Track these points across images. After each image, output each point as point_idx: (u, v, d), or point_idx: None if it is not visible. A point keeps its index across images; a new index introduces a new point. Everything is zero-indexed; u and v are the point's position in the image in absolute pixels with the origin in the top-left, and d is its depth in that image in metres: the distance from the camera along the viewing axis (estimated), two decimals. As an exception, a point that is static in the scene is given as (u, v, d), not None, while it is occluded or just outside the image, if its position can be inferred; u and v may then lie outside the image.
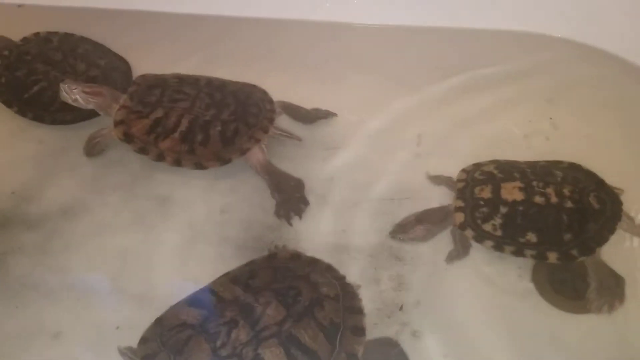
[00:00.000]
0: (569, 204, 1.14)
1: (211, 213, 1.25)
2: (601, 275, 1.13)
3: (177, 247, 1.20)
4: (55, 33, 1.49)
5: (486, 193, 1.16)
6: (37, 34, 1.48)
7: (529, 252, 1.12)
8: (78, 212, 1.24)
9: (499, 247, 1.13)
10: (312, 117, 1.39)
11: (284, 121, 1.37)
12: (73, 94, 1.28)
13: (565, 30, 1.59)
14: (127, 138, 1.26)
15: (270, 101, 1.34)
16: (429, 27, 1.63)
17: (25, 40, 1.46)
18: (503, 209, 1.14)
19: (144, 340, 0.99)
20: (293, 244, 1.19)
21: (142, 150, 1.26)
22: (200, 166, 1.25)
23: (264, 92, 1.36)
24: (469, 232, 1.14)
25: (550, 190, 1.15)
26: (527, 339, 1.06)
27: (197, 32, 1.65)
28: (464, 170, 1.23)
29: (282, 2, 1.63)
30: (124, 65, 1.48)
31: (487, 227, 1.14)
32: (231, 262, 1.15)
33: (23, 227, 1.21)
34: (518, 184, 1.16)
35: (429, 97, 1.46)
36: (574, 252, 1.12)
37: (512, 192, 1.15)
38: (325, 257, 1.15)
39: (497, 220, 1.14)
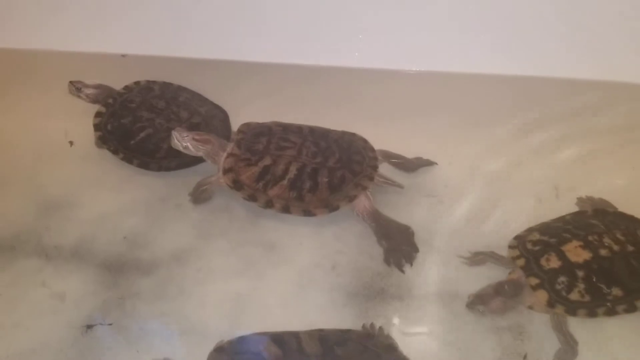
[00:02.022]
0: (630, 248, 1.14)
1: (319, 260, 1.26)
2: None
3: (288, 294, 1.21)
4: (155, 82, 1.54)
5: (555, 262, 1.13)
6: (137, 83, 1.53)
7: (620, 307, 1.10)
8: (189, 258, 1.26)
9: (592, 313, 1.10)
10: (413, 165, 1.40)
11: (384, 169, 1.39)
12: (184, 141, 1.31)
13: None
14: (236, 185, 1.29)
15: (372, 149, 1.37)
16: (513, 76, 1.65)
17: (127, 88, 1.51)
18: (580, 273, 1.11)
19: (219, 349, 1.04)
20: (405, 292, 1.19)
21: (251, 198, 1.28)
22: (308, 213, 1.27)
23: (365, 140, 1.39)
24: (559, 308, 1.10)
25: (608, 240, 1.15)
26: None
27: (286, 80, 1.69)
28: (512, 247, 1.19)
29: (370, 53, 1.68)
30: (222, 114, 1.52)
31: (574, 296, 1.10)
32: (344, 310, 1.17)
33: (138, 272, 1.23)
34: (578, 243, 1.14)
35: (536, 146, 1.47)
36: None
37: (577, 252, 1.13)
38: (439, 306, 1.17)
39: (581, 286, 1.10)
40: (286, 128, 1.37)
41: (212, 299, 1.20)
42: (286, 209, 1.27)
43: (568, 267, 1.11)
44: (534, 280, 1.12)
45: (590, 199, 1.32)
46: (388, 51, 1.67)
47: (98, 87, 1.51)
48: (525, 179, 1.41)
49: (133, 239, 1.29)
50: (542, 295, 1.10)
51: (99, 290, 1.20)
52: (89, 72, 1.59)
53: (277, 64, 1.72)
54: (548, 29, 1.61)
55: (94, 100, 1.50)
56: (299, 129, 1.37)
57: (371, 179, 1.31)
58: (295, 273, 1.24)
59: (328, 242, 1.29)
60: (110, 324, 1.14)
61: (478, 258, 1.23)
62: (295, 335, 1.06)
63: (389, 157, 1.40)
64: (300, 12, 1.67)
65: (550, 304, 1.10)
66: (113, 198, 1.38)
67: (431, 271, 1.23)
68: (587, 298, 1.10)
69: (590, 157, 1.45)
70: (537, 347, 1.10)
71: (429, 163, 1.41)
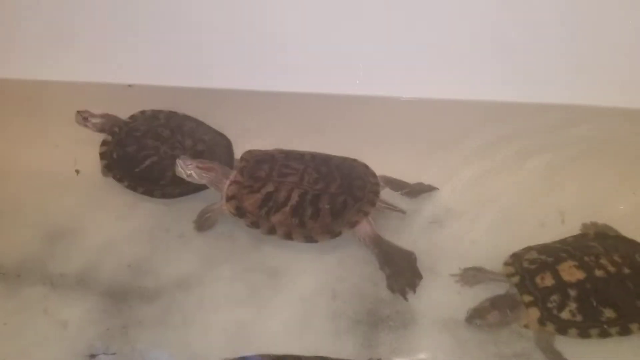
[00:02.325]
0: (626, 270, 1.14)
1: (322, 287, 1.26)
2: None
3: (292, 321, 1.20)
4: (160, 111, 1.56)
5: (549, 280, 1.13)
6: (143, 112, 1.55)
7: (613, 329, 1.10)
8: (193, 285, 1.26)
9: (584, 333, 1.09)
10: (415, 191, 1.41)
11: (386, 195, 1.39)
12: (188, 169, 1.33)
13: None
14: (239, 212, 1.30)
15: (373, 174, 1.38)
16: (514, 102, 1.68)
17: (133, 117, 1.54)
18: (572, 292, 1.11)
19: None
20: (408, 320, 1.19)
21: (254, 224, 1.29)
22: (310, 239, 1.28)
23: (366, 166, 1.40)
24: (550, 327, 1.10)
25: (604, 261, 1.15)
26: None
27: (288, 108, 1.72)
28: (507, 264, 1.20)
29: (371, 80, 1.71)
30: (225, 141, 1.54)
31: (565, 315, 1.10)
32: (348, 337, 1.17)
33: (141, 300, 1.23)
34: (573, 262, 1.15)
35: (540, 171, 1.48)
36: None
37: (571, 272, 1.13)
38: (443, 333, 1.17)
39: (572, 305, 1.10)
40: (288, 155, 1.39)
41: (216, 326, 1.19)
42: (288, 236, 1.28)
43: (561, 286, 1.12)
44: (528, 298, 1.13)
45: (594, 225, 1.32)
46: (388, 78, 1.70)
47: (104, 116, 1.53)
48: (529, 203, 1.41)
49: (137, 267, 1.30)
50: (534, 313, 1.11)
51: (102, 319, 1.20)
52: (95, 102, 1.61)
53: (280, 92, 1.75)
54: (544, 55, 1.63)
55: (101, 129, 1.52)
56: (300, 156, 1.38)
57: (373, 204, 1.32)
58: (298, 300, 1.24)
59: (331, 269, 1.29)
60: (114, 354, 1.14)
61: (468, 274, 1.24)
62: (297, 358, 1.07)
63: (391, 182, 1.41)
64: (303, 43, 1.70)
65: (542, 322, 1.10)
66: (118, 226, 1.39)
67: (435, 298, 1.22)
68: (578, 318, 1.10)
69: (595, 182, 1.45)
70: (541, 374, 1.10)
71: (431, 188, 1.42)
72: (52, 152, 1.60)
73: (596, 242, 1.22)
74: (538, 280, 1.14)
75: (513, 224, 1.36)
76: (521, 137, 1.57)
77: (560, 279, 1.12)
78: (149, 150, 1.44)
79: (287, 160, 1.36)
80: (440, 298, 1.22)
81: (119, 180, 1.43)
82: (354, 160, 1.41)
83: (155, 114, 1.55)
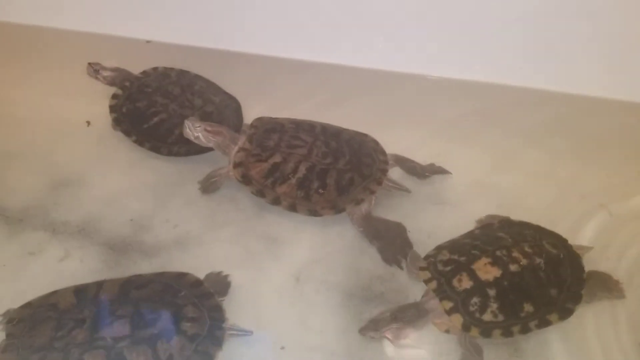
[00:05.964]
0: (537, 260, 1.12)
1: (319, 258, 1.26)
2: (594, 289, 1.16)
3: (285, 289, 1.21)
4: (172, 69, 1.56)
5: (466, 282, 1.09)
6: (155, 69, 1.55)
7: (532, 324, 1.07)
8: (191, 244, 1.27)
9: (507, 332, 1.07)
10: (425, 172, 1.40)
11: (394, 173, 1.39)
12: (196, 131, 1.32)
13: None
14: (245, 180, 1.30)
15: (383, 152, 1.37)
16: (536, 89, 1.66)
17: (144, 73, 1.53)
18: (491, 291, 1.08)
19: (26, 305, 1.07)
20: (402, 299, 1.19)
21: (259, 193, 1.29)
22: (314, 213, 1.28)
23: (376, 142, 1.39)
24: (474, 331, 1.06)
25: (516, 254, 1.11)
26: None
27: (303, 78, 1.72)
28: (422, 269, 1.15)
29: (393, 56, 1.69)
30: (235, 104, 1.53)
31: (487, 316, 1.07)
32: (339, 310, 1.18)
33: (141, 254, 1.25)
34: (487, 259, 1.11)
35: (550, 159, 1.48)
36: (569, 305, 1.10)
37: (487, 270, 1.09)
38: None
39: (494, 305, 1.07)
40: (298, 125, 1.37)
41: (212, 287, 1.20)
42: (293, 207, 1.28)
43: (479, 287, 1.08)
44: (448, 304, 1.08)
45: (492, 217, 1.29)
46: (411, 55, 1.68)
47: (116, 70, 1.53)
48: (540, 191, 1.40)
49: (139, 222, 1.31)
50: (457, 319, 1.07)
51: (100, 269, 1.22)
52: (112, 54, 1.63)
53: (295, 60, 1.75)
54: (569, 44, 1.61)
55: (111, 82, 1.52)
56: (311, 127, 1.37)
57: (380, 183, 1.31)
58: (294, 269, 1.24)
59: (330, 241, 1.30)
60: (109, 304, 1.16)
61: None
62: (101, 283, 1.09)
63: (401, 161, 1.40)
64: (325, 12, 1.68)
65: (466, 327, 1.06)
66: (123, 179, 1.40)
67: (430, 279, 1.22)
68: (500, 317, 1.07)
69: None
70: (529, 365, 1.10)
71: (443, 171, 1.40)
72: (66, 101, 1.61)
73: (503, 232, 1.19)
74: (456, 283, 1.09)
75: (518, 210, 1.31)
76: (541, 124, 1.57)
77: (477, 279, 1.08)
78: (158, 107, 1.44)
79: (297, 132, 1.35)
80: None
81: (127, 134, 1.43)
82: (365, 135, 1.40)
83: (166, 72, 1.54)
